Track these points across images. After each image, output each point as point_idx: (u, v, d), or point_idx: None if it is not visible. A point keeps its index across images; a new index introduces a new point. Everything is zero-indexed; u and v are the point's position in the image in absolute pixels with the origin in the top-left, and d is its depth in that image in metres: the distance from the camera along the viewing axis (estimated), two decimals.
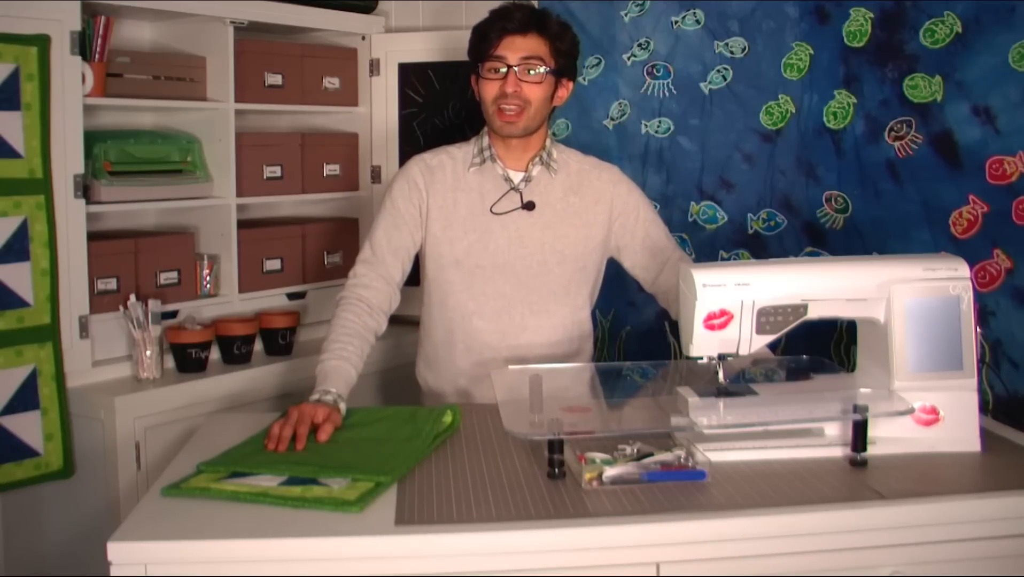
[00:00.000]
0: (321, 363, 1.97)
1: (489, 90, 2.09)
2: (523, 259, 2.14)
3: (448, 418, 1.86)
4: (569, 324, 2.20)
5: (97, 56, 2.44)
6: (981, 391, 2.07)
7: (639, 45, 2.85)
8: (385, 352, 2.80)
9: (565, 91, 2.16)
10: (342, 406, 1.87)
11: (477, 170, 2.15)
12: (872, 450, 1.65)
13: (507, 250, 2.13)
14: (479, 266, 2.13)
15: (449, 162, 2.17)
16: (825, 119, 2.67)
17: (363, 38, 3.13)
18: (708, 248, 2.83)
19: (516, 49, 2.06)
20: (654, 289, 2.26)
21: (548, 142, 2.18)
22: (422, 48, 3.12)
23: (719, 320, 1.71)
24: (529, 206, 2.13)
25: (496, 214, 2.13)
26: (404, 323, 2.53)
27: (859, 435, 1.63)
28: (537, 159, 2.16)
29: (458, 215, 2.13)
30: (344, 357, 1.97)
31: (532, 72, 2.07)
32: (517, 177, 2.16)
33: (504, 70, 2.06)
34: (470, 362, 2.17)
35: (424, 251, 2.18)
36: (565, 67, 2.13)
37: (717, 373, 1.77)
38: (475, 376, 2.16)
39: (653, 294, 2.28)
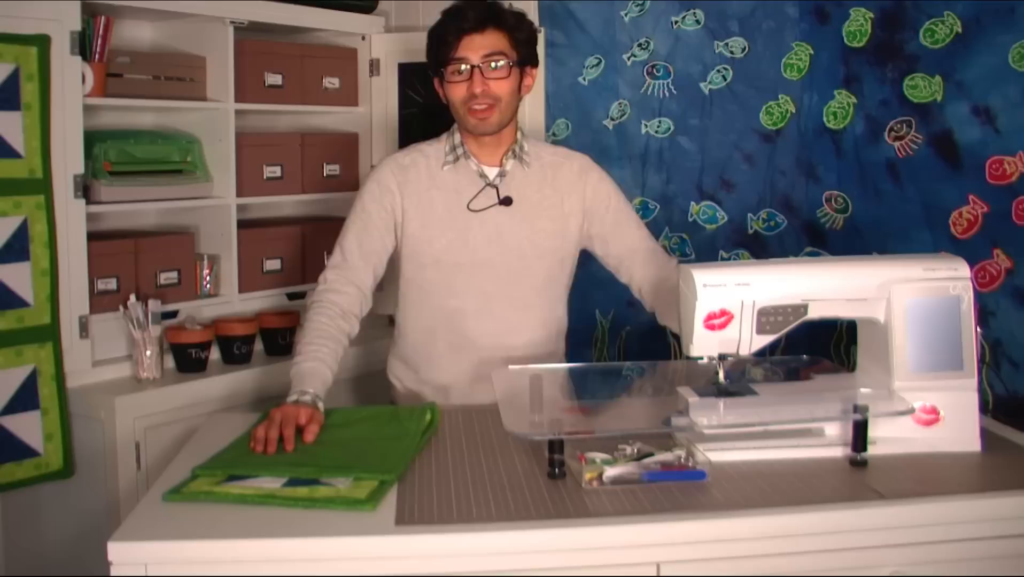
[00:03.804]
0: (296, 365, 1.96)
1: (456, 92, 2.07)
2: (503, 255, 2.13)
3: (428, 416, 1.87)
4: (548, 317, 2.20)
5: (97, 56, 2.44)
6: (981, 391, 2.07)
7: (639, 45, 2.85)
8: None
9: (531, 79, 2.15)
10: (320, 406, 1.87)
11: (451, 168, 2.14)
12: (872, 450, 1.65)
13: (486, 247, 2.12)
14: (459, 264, 2.12)
15: (422, 160, 2.16)
16: (825, 119, 2.67)
17: (363, 38, 3.13)
18: (708, 248, 2.83)
19: (476, 48, 2.04)
20: (636, 287, 2.22)
21: (519, 135, 2.17)
22: (422, 48, 3.07)
23: (719, 320, 1.71)
24: (506, 201, 2.12)
25: (474, 211, 2.12)
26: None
27: (859, 435, 1.63)
28: (510, 153, 2.15)
29: (435, 214, 2.12)
30: (319, 359, 1.96)
31: (496, 66, 2.05)
32: (492, 172, 2.14)
33: (467, 69, 2.05)
34: (452, 360, 2.16)
35: (401, 251, 2.16)
36: (527, 56, 2.11)
37: (717, 373, 1.77)
38: (457, 374, 2.16)
39: (640, 298, 2.24)
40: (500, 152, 2.14)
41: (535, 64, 2.15)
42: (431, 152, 2.17)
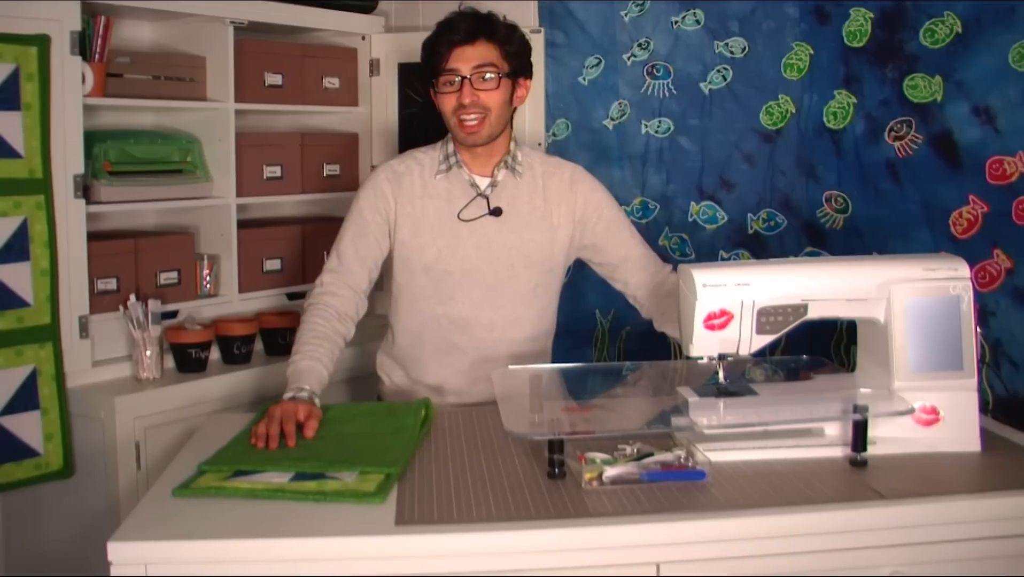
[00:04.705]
0: (293, 364, 1.98)
1: (447, 103, 2.09)
2: (491, 264, 2.15)
3: (423, 412, 1.89)
4: (536, 323, 2.21)
5: (97, 56, 2.44)
6: (981, 391, 2.07)
7: (639, 45, 2.85)
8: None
9: (524, 90, 2.16)
10: (317, 402, 1.89)
11: (444, 176, 2.16)
12: (872, 450, 1.65)
13: (475, 256, 2.14)
14: (448, 272, 2.14)
15: (416, 167, 2.18)
16: (825, 119, 2.67)
17: (363, 38, 3.13)
18: (708, 248, 2.83)
19: (467, 59, 2.06)
20: (631, 294, 2.24)
21: (512, 145, 2.18)
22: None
23: (719, 320, 1.71)
24: (496, 212, 2.14)
25: (464, 220, 2.13)
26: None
27: (859, 435, 1.63)
28: (502, 164, 2.16)
29: (427, 222, 2.14)
30: (316, 358, 1.98)
31: (486, 78, 2.06)
32: (483, 183, 2.16)
33: (458, 81, 2.06)
34: (439, 363, 2.19)
35: (392, 256, 2.18)
36: (519, 68, 2.13)
37: (717, 373, 1.77)
38: (444, 376, 2.19)
39: (635, 304, 2.25)
40: (492, 162, 2.16)
41: (528, 76, 2.17)
42: (425, 160, 2.19)
